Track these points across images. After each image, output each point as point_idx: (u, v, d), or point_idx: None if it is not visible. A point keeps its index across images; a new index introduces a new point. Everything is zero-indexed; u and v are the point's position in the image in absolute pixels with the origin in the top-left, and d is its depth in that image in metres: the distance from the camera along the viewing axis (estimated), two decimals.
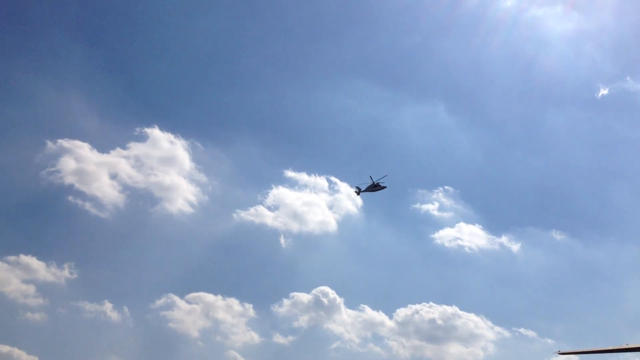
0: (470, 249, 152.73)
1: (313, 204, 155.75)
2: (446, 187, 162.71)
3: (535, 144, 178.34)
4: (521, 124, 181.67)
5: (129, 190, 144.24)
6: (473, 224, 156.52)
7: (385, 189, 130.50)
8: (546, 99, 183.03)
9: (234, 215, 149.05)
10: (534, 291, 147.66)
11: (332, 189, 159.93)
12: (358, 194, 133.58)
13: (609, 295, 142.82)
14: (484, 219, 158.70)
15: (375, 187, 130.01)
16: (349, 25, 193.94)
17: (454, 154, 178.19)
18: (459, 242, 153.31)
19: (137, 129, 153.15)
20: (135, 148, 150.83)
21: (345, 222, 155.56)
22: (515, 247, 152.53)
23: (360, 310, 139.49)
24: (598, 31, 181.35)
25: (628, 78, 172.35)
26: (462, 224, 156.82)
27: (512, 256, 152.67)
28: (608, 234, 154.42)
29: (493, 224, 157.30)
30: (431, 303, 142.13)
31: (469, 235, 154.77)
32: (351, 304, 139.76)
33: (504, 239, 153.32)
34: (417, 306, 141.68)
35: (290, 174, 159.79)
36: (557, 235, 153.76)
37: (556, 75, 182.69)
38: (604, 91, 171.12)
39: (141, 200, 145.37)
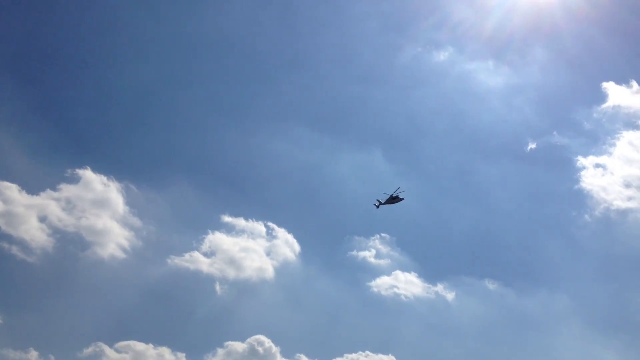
0: (406, 297, 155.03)
1: (250, 250, 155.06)
2: (382, 234, 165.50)
3: (468, 194, 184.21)
4: (454, 174, 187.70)
5: (58, 233, 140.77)
6: (409, 272, 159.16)
7: (403, 200, 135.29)
8: (478, 150, 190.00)
9: (168, 261, 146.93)
10: (469, 340, 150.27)
11: (270, 234, 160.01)
12: (378, 207, 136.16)
13: (541, 344, 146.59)
14: (420, 267, 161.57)
15: (393, 199, 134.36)
16: (289, 71, 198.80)
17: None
18: (395, 290, 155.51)
19: (69, 170, 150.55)
20: (67, 190, 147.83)
21: (282, 268, 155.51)
22: (450, 295, 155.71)
23: None
24: (527, 86, 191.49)
25: (555, 133, 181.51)
26: (398, 272, 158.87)
27: (447, 305, 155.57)
28: (539, 284, 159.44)
29: (428, 272, 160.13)
30: (367, 352, 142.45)
31: (405, 284, 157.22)
32: (287, 353, 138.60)
33: (439, 288, 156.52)
34: (354, 355, 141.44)
35: (227, 219, 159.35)
36: (490, 285, 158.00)
37: (488, 127, 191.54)
38: (532, 145, 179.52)
39: (71, 244, 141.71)
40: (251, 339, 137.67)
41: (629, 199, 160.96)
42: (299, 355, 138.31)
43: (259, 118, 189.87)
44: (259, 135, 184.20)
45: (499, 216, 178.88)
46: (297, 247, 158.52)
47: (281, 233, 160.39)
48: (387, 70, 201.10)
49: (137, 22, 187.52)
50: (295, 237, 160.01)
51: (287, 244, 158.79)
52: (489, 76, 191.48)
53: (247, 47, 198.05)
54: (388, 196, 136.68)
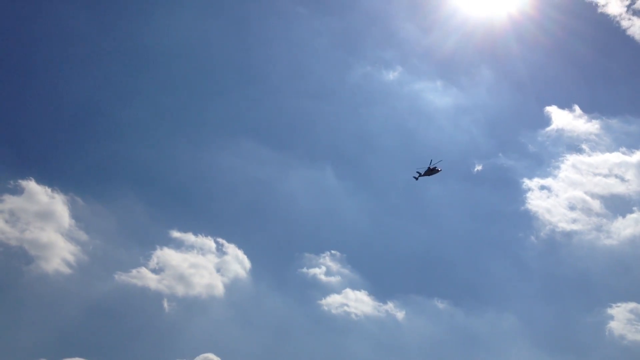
0: (356, 315, 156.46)
1: (199, 266, 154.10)
2: (333, 251, 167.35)
3: (418, 213, 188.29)
4: (404, 192, 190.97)
5: (1, 247, 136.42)
6: (359, 290, 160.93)
7: (441, 171, 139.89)
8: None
9: (115, 276, 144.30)
10: (418, 359, 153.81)
11: (220, 250, 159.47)
12: (417, 179, 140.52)
13: None
14: (370, 285, 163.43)
15: (432, 171, 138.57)
16: (240, 85, 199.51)
17: (341, 219, 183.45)
18: (346, 308, 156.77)
19: (12, 182, 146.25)
20: (10, 202, 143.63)
21: (232, 285, 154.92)
22: (400, 314, 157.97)
23: None
24: (474, 107, 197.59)
25: (500, 154, 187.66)
26: (348, 290, 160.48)
27: (396, 324, 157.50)
28: (487, 304, 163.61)
29: (379, 291, 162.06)
30: None
31: (355, 302, 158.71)
32: None
33: (389, 306, 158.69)
34: None
35: (176, 234, 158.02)
36: (440, 304, 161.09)
37: (436, 147, 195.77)
38: (479, 167, 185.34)
39: (14, 258, 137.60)
40: (200, 358, 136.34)
41: (573, 221, 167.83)
42: None
43: (209, 132, 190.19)
44: (209, 150, 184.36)
45: (448, 236, 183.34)
46: (247, 264, 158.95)
47: (231, 249, 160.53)
48: (337, 88, 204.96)
49: (84, 31, 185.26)
50: (246, 253, 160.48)
51: (237, 261, 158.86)
52: (437, 96, 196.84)
53: (198, 60, 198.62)
54: (426, 168, 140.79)
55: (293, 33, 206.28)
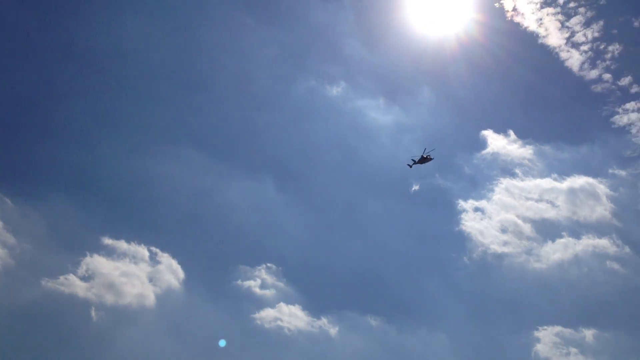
0: (289, 330, 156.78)
1: (131, 275, 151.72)
2: (269, 264, 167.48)
3: (356, 230, 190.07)
4: (343, 209, 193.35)
5: None
6: (294, 304, 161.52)
7: (433, 160, 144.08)
8: (367, 187, 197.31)
9: (42, 282, 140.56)
10: None
11: (153, 259, 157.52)
12: (411, 167, 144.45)
13: None
14: (305, 299, 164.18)
15: (425, 159, 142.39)
16: (182, 92, 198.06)
17: (279, 232, 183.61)
18: (279, 322, 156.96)
19: None
20: None
21: (165, 296, 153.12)
22: (333, 330, 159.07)
23: None
24: (415, 127, 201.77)
25: (437, 175, 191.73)
26: (282, 304, 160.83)
27: (329, 339, 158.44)
28: (419, 322, 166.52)
29: (313, 306, 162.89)
30: None
31: (289, 316, 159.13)
32: None
33: (323, 322, 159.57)
34: None
35: (107, 241, 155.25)
36: (373, 321, 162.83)
37: (377, 165, 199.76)
38: (416, 186, 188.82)
39: None
40: None
41: (505, 243, 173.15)
42: None
43: (148, 138, 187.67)
44: (147, 156, 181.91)
45: (384, 253, 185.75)
46: (181, 274, 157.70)
47: (165, 258, 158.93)
48: (281, 100, 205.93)
49: (19, 28, 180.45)
50: (180, 263, 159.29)
51: (170, 270, 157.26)
52: (379, 114, 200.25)
53: (140, 64, 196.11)
54: (419, 157, 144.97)
55: (239, 43, 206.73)
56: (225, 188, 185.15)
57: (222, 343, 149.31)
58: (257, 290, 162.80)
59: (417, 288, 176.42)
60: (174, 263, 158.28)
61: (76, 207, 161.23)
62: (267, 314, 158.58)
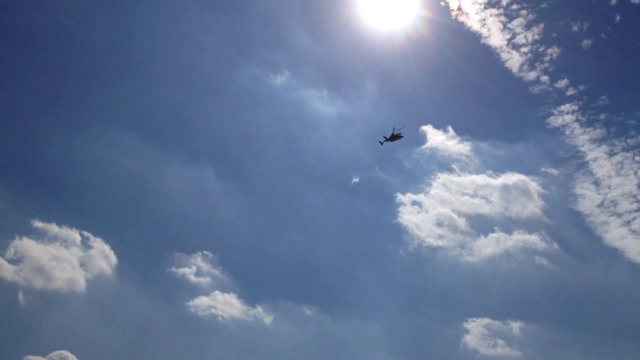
0: (223, 318, 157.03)
1: (61, 259, 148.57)
2: (205, 252, 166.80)
3: (294, 220, 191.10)
4: (282, 198, 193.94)
5: None
6: (229, 292, 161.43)
7: (403, 138, 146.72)
8: (307, 177, 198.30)
9: None
10: None
11: (85, 244, 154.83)
12: (382, 144, 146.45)
13: None
14: (240, 288, 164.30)
15: (395, 137, 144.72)
16: (120, 73, 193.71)
17: (217, 219, 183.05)
18: (213, 310, 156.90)
19: None
20: None
21: (96, 281, 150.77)
22: (268, 319, 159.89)
23: None
24: (357, 119, 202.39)
25: (377, 168, 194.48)
26: (217, 292, 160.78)
27: (264, 328, 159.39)
28: (354, 312, 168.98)
29: (248, 294, 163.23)
30: None
31: (224, 305, 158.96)
32: None
33: (258, 310, 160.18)
34: None
35: (37, 224, 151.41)
36: (308, 310, 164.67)
37: (318, 156, 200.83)
38: (356, 179, 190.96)
39: None
40: (54, 354, 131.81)
41: (440, 237, 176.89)
42: None
43: (83, 119, 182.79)
44: (81, 137, 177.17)
45: (322, 244, 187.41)
46: (114, 260, 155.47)
47: (97, 243, 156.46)
48: (223, 87, 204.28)
49: None
50: (113, 248, 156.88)
51: (103, 256, 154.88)
52: (322, 105, 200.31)
53: (75, 42, 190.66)
54: (390, 134, 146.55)
55: (182, 26, 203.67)
56: (163, 173, 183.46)
57: None
58: (192, 277, 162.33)
59: (353, 279, 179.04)
60: (107, 248, 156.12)
61: (5, 188, 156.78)
62: (201, 302, 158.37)
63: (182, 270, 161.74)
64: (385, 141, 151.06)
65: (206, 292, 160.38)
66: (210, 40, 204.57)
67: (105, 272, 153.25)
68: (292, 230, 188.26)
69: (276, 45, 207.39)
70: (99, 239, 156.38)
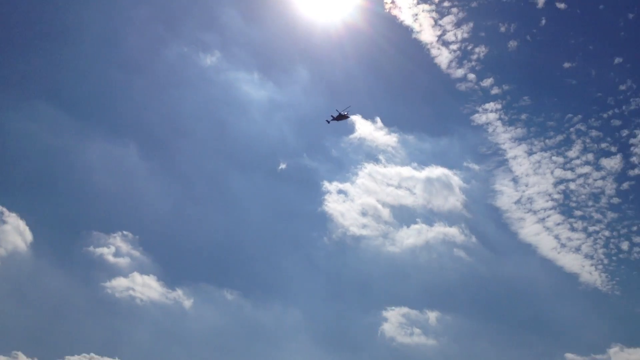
0: (142, 300, 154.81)
1: None
2: (125, 232, 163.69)
3: (220, 203, 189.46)
4: (209, 181, 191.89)
5: None
6: (148, 274, 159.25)
7: (349, 118, 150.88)
8: (235, 161, 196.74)
9: None
10: (201, 348, 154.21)
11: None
12: (329, 122, 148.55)
13: (269, 356, 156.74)
14: (161, 270, 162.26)
15: (342, 116, 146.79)
16: (41, 43, 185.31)
17: (139, 199, 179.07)
18: (131, 292, 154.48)
19: None
20: None
21: (9, 258, 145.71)
22: (188, 302, 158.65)
23: (13, 358, 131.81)
24: (287, 105, 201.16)
25: (305, 155, 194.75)
26: (136, 274, 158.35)
27: (183, 311, 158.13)
28: (276, 298, 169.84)
29: (169, 277, 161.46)
30: (92, 355, 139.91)
31: (143, 287, 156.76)
32: (3, 350, 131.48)
33: (178, 293, 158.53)
34: (76, 357, 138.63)
35: None
36: (229, 295, 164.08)
37: (246, 140, 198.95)
38: (283, 165, 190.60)
39: None
40: None
41: (364, 226, 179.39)
42: (17, 352, 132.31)
43: None
44: None
45: (246, 229, 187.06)
46: (29, 236, 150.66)
47: (12, 219, 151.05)
48: (150, 64, 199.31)
49: None
50: (28, 224, 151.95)
51: (17, 232, 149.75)
52: (252, 88, 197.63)
53: None
54: (337, 113, 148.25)
55: None
56: (84, 148, 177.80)
57: None
58: (110, 258, 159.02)
59: (276, 265, 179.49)
60: (22, 224, 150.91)
61: None
62: (119, 283, 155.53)
63: (100, 250, 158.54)
64: (332, 120, 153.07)
65: (124, 273, 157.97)
66: (139, 14, 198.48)
67: (20, 249, 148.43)
68: (216, 214, 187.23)
69: (207, 24, 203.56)
70: (13, 214, 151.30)
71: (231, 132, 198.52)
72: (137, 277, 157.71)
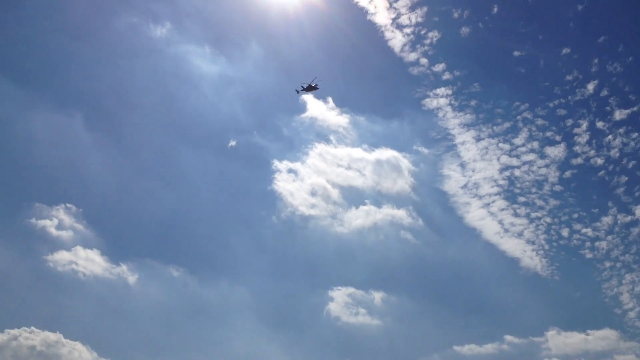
0: (85, 275, 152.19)
1: None
2: (68, 204, 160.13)
3: (167, 179, 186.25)
4: (157, 155, 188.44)
5: None
6: (92, 248, 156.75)
7: (318, 90, 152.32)
8: (183, 136, 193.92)
9: None
10: (147, 325, 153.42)
11: None
12: (298, 92, 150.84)
13: (214, 333, 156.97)
14: (105, 244, 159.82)
15: (312, 87, 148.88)
16: None
17: (84, 171, 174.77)
18: (74, 266, 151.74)
19: None
20: None
21: None
22: (133, 278, 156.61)
23: None
24: (239, 81, 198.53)
25: (256, 133, 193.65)
26: (79, 248, 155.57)
27: (127, 287, 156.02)
28: (222, 275, 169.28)
29: (113, 251, 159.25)
30: (33, 328, 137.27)
31: (86, 261, 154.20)
32: None
33: (122, 269, 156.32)
34: (16, 331, 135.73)
35: None
36: (175, 271, 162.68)
37: (196, 115, 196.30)
38: (233, 142, 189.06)
39: None
40: None
41: (313, 206, 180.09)
42: None
43: None
44: None
45: (193, 205, 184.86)
46: None
47: None
48: (98, 32, 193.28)
49: None
50: None
51: None
52: (204, 62, 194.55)
53: None
54: (307, 84, 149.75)
55: None
56: (26, 118, 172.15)
57: None
58: (53, 230, 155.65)
59: (224, 242, 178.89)
60: None
61: None
62: (61, 256, 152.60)
63: (42, 222, 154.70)
64: (302, 90, 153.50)
65: (67, 246, 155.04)
66: None
67: None
68: (164, 189, 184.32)
69: None
70: None
71: (181, 106, 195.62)
72: (81, 251, 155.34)
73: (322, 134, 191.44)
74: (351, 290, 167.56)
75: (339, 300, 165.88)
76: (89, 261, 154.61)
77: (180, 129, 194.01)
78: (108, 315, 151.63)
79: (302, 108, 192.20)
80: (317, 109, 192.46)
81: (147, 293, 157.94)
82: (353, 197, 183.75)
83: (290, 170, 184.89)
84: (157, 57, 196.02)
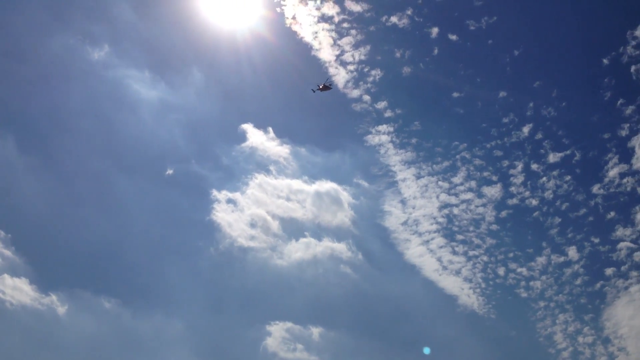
0: (12, 304, 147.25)
1: None
2: None
3: (102, 206, 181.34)
4: (91, 181, 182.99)
5: None
6: (20, 277, 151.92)
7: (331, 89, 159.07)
8: (120, 163, 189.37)
9: None
10: (77, 359, 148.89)
11: None
12: (314, 92, 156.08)
13: None
14: (34, 273, 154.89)
15: (326, 87, 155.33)
16: None
17: (14, 196, 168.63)
18: (1, 295, 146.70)
19: None
20: None
21: None
22: (62, 309, 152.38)
23: None
24: (179, 108, 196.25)
25: (194, 161, 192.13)
26: (6, 276, 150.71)
27: (57, 318, 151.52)
28: (157, 308, 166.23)
29: (42, 280, 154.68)
30: None
31: (13, 290, 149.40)
32: None
33: (52, 298, 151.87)
34: None
35: None
36: (107, 302, 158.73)
37: (133, 141, 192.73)
38: (170, 170, 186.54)
39: None
40: None
41: (252, 238, 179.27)
42: None
43: None
44: None
45: (128, 234, 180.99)
46: None
47: None
48: (32, 53, 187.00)
49: None
50: None
51: None
52: (143, 87, 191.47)
53: None
54: (322, 84, 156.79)
55: None
56: None
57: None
58: None
59: (159, 273, 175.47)
60: None
61: None
62: None
63: None
64: (317, 90, 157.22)
65: None
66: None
67: None
68: (97, 217, 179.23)
69: (97, 16, 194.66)
70: None
71: (117, 131, 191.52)
72: (8, 279, 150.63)
73: (263, 164, 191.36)
74: (289, 325, 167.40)
75: (277, 335, 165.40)
76: (17, 290, 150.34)
77: (116, 154, 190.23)
78: (36, 348, 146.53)
79: (242, 137, 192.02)
80: (258, 138, 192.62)
81: (78, 325, 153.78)
82: (293, 229, 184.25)
83: (229, 201, 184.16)
84: (94, 80, 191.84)
